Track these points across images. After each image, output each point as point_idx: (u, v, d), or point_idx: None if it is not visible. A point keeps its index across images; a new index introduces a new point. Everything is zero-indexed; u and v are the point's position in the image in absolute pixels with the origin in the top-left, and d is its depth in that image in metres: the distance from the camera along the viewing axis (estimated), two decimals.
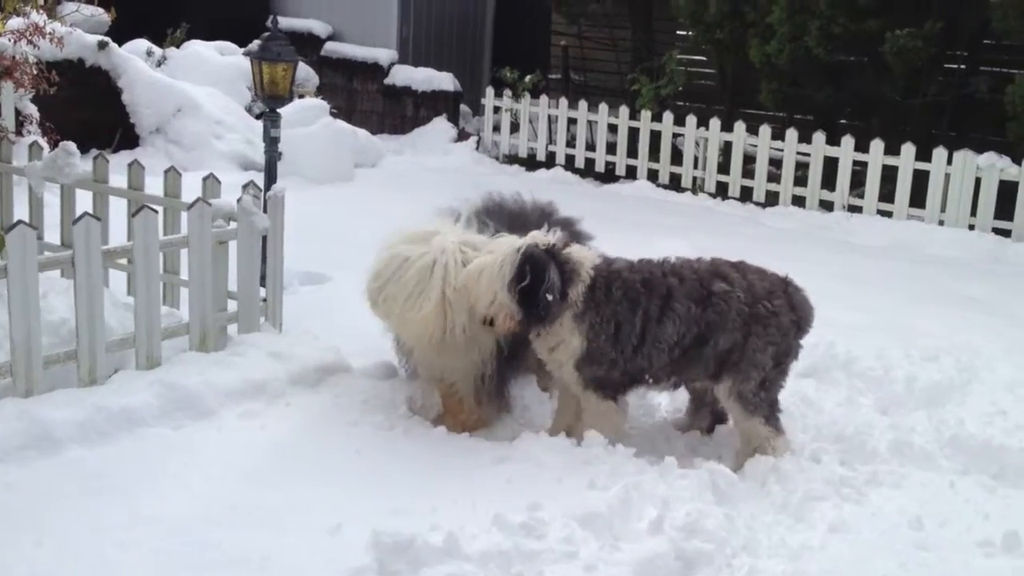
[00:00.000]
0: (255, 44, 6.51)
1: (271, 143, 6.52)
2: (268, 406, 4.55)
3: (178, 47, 12.99)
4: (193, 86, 11.71)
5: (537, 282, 4.23)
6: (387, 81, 15.11)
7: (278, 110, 6.61)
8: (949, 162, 10.04)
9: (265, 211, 5.18)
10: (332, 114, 12.15)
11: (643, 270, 4.51)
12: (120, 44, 11.52)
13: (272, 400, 4.61)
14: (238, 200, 5.09)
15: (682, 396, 5.21)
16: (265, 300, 5.31)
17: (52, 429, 3.99)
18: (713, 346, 4.45)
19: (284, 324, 5.48)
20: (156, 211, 4.71)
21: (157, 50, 12.58)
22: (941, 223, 10.09)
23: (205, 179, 5.54)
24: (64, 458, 3.92)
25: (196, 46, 12.89)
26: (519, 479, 4.07)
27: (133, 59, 11.31)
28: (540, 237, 4.39)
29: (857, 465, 4.52)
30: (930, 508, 4.06)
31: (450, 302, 4.38)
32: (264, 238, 5.26)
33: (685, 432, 4.92)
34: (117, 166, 6.12)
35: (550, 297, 4.25)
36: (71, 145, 5.80)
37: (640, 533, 3.73)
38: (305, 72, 13.54)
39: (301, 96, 12.56)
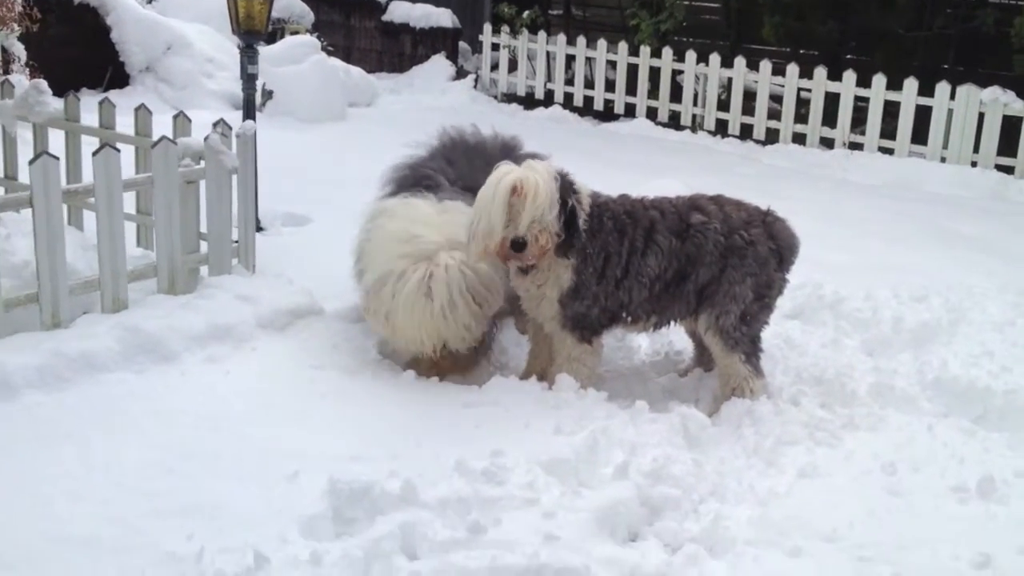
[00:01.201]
0: None
1: (248, 80, 6.36)
2: (234, 350, 4.46)
3: None
4: (184, 23, 11.53)
5: (575, 207, 4.12)
6: (385, 18, 14.87)
7: (255, 46, 6.44)
8: (952, 97, 9.81)
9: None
10: (327, 52, 11.94)
11: (626, 202, 4.40)
12: None
13: (238, 344, 4.51)
14: (205, 138, 4.96)
15: (661, 338, 5.13)
16: (237, 242, 5.20)
17: (9, 374, 3.90)
18: (694, 280, 4.35)
19: (260, 266, 5.38)
20: (118, 150, 4.58)
21: None
22: (943, 160, 9.91)
23: (175, 117, 5.41)
24: (20, 404, 3.83)
25: None
26: (486, 424, 3.99)
27: None
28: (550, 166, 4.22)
29: (836, 408, 4.42)
30: (905, 452, 3.96)
31: (452, 315, 4.27)
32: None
33: (687, 374, 4.82)
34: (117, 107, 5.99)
35: (584, 224, 4.14)
36: (42, 83, 5.66)
37: (605, 479, 3.66)
38: (300, 8, 13.32)
39: (294, 33, 12.35)
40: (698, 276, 4.35)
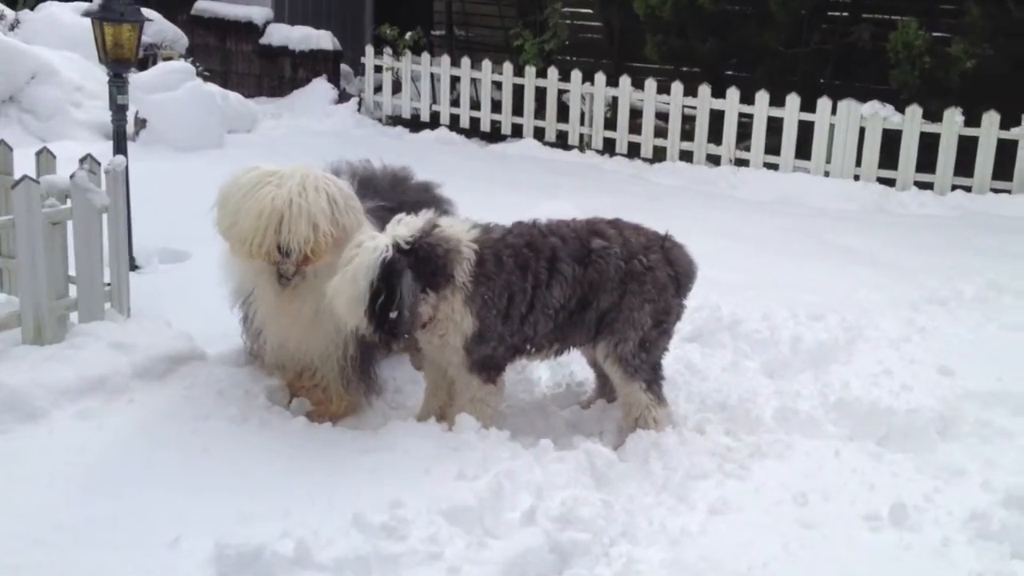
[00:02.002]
0: (96, 3, 6.01)
1: (118, 111, 6.02)
2: (108, 403, 4.15)
3: (32, 9, 12.22)
4: (50, 51, 11.00)
5: (389, 299, 3.83)
6: (263, 41, 14.52)
7: (125, 75, 6.11)
8: (833, 112, 9.97)
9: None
10: (204, 77, 11.55)
11: (525, 233, 4.22)
12: None
13: (113, 396, 4.20)
14: (71, 176, 4.64)
15: (562, 369, 4.99)
16: (109, 285, 4.87)
17: None
18: (595, 308, 4.22)
19: (136, 309, 5.06)
20: None
21: (9, 13, 11.84)
22: (827, 174, 10.05)
23: (39, 153, 5.07)
24: None
25: (53, 7, 12.15)
26: (383, 471, 3.77)
27: None
28: (403, 230, 3.98)
29: (742, 435, 4.33)
30: (815, 481, 3.89)
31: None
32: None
33: (590, 406, 4.67)
34: None
35: (396, 315, 3.86)
36: None
37: (512, 526, 3.48)
38: (172, 33, 12.90)
39: (167, 59, 11.92)
40: (599, 303, 4.23)
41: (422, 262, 3.92)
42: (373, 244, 3.89)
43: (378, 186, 4.67)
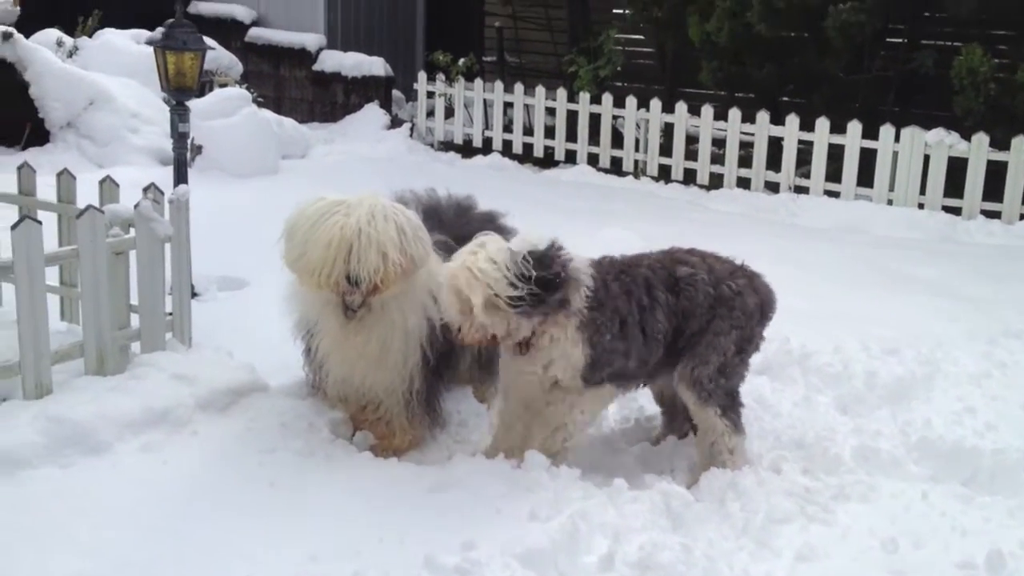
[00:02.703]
0: (158, 32, 6.00)
1: (180, 139, 6.01)
2: (171, 436, 4.07)
3: (90, 36, 12.33)
4: (107, 77, 11.07)
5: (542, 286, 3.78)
6: (316, 67, 14.56)
7: (187, 103, 6.10)
8: (896, 139, 9.78)
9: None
10: (258, 103, 11.58)
11: (619, 262, 4.15)
12: (29, 35, 10.88)
13: (176, 429, 4.12)
14: (136, 206, 4.59)
15: (630, 403, 4.85)
16: (171, 314, 4.82)
17: None
18: (687, 336, 4.15)
19: (196, 338, 4.99)
20: (39, 221, 4.19)
21: (68, 40, 11.92)
22: (890, 202, 9.84)
23: (102, 182, 5.04)
24: None
25: (109, 35, 12.23)
26: (453, 511, 3.65)
27: (40, 50, 10.66)
28: (534, 237, 3.90)
29: (821, 475, 4.17)
30: (903, 525, 3.72)
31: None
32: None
33: (659, 442, 4.56)
34: (37, 166, 5.58)
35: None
36: None
37: (589, 570, 3.35)
38: (228, 60, 12.95)
39: (223, 85, 11.97)
40: (689, 330, 4.15)
41: (544, 280, 3.80)
42: (501, 245, 3.83)
43: (443, 216, 4.59)
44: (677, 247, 4.36)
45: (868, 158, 9.95)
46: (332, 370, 4.30)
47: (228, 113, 10.02)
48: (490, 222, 4.84)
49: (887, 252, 8.29)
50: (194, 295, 5.88)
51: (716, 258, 4.31)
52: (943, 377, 5.18)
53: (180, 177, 5.90)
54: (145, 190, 4.76)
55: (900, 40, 11.13)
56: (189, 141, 8.69)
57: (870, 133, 9.91)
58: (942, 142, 9.52)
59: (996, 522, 3.77)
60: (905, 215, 9.45)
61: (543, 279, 3.77)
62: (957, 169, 9.54)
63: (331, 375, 4.32)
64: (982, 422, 4.58)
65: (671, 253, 4.28)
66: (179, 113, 5.98)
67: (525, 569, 3.29)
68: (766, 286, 4.31)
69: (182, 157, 6.02)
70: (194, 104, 9.58)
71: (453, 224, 4.59)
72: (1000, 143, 9.38)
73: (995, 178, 9.42)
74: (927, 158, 9.63)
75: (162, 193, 4.81)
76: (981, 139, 9.39)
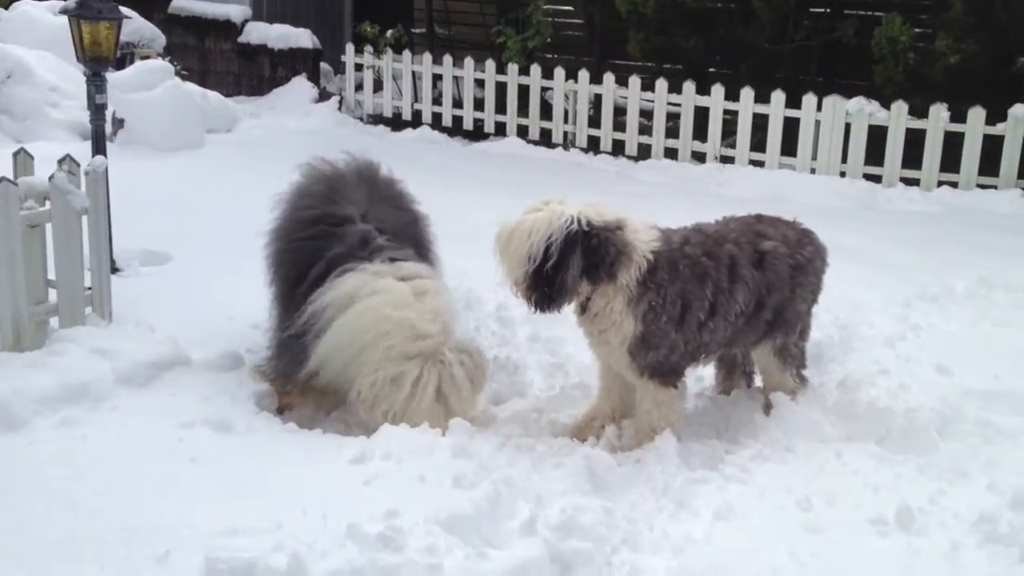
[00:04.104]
0: (73, 1, 5.87)
1: (97, 111, 5.89)
2: (91, 412, 4.01)
3: (7, 8, 12.02)
4: (24, 50, 10.82)
5: (553, 270, 3.86)
6: (241, 39, 14.35)
7: (104, 74, 5.98)
8: (819, 109, 9.92)
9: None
10: (182, 76, 11.40)
11: (702, 242, 4.20)
12: None
13: (96, 405, 4.06)
14: (50, 177, 4.51)
15: (557, 373, 4.89)
16: (90, 288, 4.74)
17: None
18: (769, 308, 4.29)
19: (117, 313, 4.94)
20: None
21: None
22: (813, 171, 10.00)
23: (16, 154, 4.94)
24: None
25: (26, 6, 11.95)
26: (376, 481, 3.65)
27: None
28: (591, 212, 3.96)
29: (741, 438, 4.26)
30: (818, 484, 3.81)
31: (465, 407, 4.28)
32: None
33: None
34: None
35: (557, 285, 3.90)
36: None
37: (511, 535, 3.38)
38: (150, 32, 12.72)
39: (145, 58, 11.75)
40: (772, 301, 4.29)
41: (592, 250, 3.91)
42: (560, 209, 3.91)
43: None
44: (747, 216, 4.48)
45: (792, 127, 10.09)
46: None
47: (150, 86, 9.85)
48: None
49: (810, 220, 8.27)
50: (116, 270, 5.80)
51: (785, 224, 4.49)
52: (859, 340, 5.31)
53: (98, 149, 5.79)
54: (60, 162, 4.68)
55: (823, 10, 11.28)
56: (110, 114, 8.55)
57: (794, 103, 10.04)
58: (862, 111, 9.69)
59: (907, 479, 3.88)
60: (827, 183, 9.61)
61: (591, 248, 3.87)
62: (877, 137, 9.72)
63: None
64: (896, 383, 4.70)
65: (751, 225, 4.37)
66: (96, 84, 5.86)
67: (449, 535, 3.31)
68: (821, 242, 4.57)
69: (100, 129, 5.91)
70: (114, 77, 9.45)
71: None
72: (919, 111, 9.57)
73: (914, 146, 9.62)
74: (848, 127, 9.80)
75: (78, 165, 4.72)
76: (900, 107, 9.57)
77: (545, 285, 3.90)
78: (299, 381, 4.41)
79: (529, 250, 3.86)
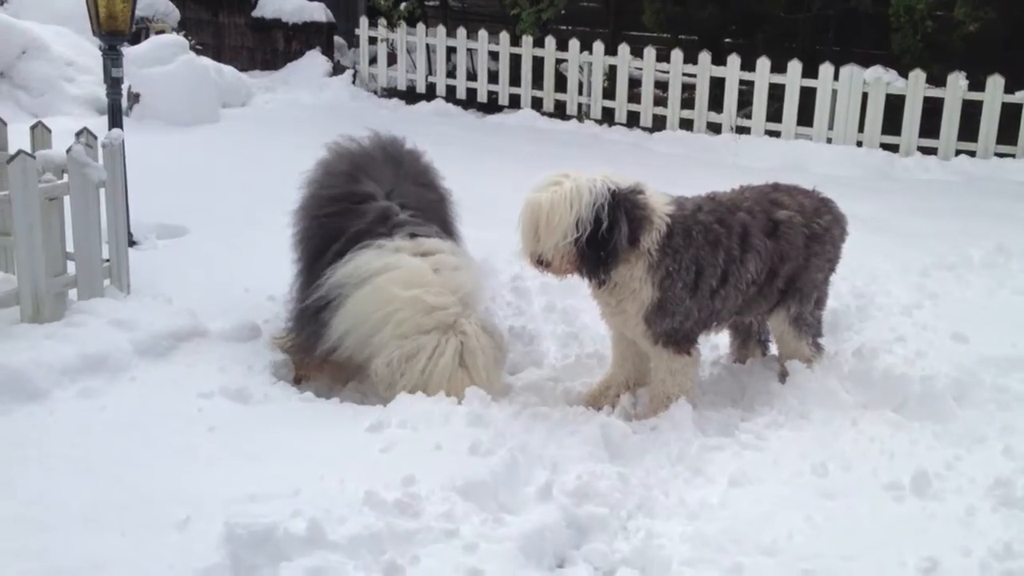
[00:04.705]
0: None
1: (113, 84, 5.90)
2: (110, 382, 4.05)
3: None
4: (40, 25, 10.84)
5: (608, 233, 3.84)
6: (255, 14, 14.33)
7: (120, 48, 5.98)
8: (836, 78, 9.86)
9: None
10: (196, 51, 11.39)
11: (715, 209, 4.19)
12: None
13: (115, 375, 4.10)
14: (68, 150, 4.53)
15: (572, 342, 4.90)
16: (108, 260, 4.77)
17: None
18: (783, 277, 4.29)
19: (135, 285, 4.97)
20: None
21: None
22: (829, 141, 9.95)
23: (33, 128, 4.97)
24: None
25: None
26: (393, 448, 3.68)
27: None
28: (612, 177, 3.96)
29: (756, 405, 4.27)
30: (833, 450, 3.81)
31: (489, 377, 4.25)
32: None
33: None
34: None
35: (615, 248, 3.89)
36: None
37: (528, 501, 3.41)
38: (165, 6, 12.72)
39: (160, 32, 11.75)
40: (784, 271, 4.29)
41: (626, 213, 3.91)
42: (590, 176, 3.88)
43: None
44: (762, 185, 4.45)
45: (808, 97, 10.03)
46: None
47: (165, 61, 9.86)
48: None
49: (827, 190, 8.28)
50: (133, 243, 5.82)
51: (802, 193, 4.45)
52: (876, 309, 5.30)
53: (115, 122, 5.80)
54: (78, 135, 4.70)
55: None
56: (125, 88, 8.57)
57: (810, 72, 9.98)
58: (880, 80, 9.62)
59: (923, 445, 3.88)
60: (844, 153, 9.57)
61: (613, 217, 3.85)
62: (895, 107, 9.65)
63: None
64: (912, 350, 4.69)
65: (767, 194, 4.35)
66: (112, 58, 5.86)
67: (466, 501, 3.33)
68: (840, 211, 4.55)
69: (116, 103, 5.92)
70: (130, 51, 9.47)
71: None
72: (937, 80, 9.50)
73: (932, 115, 9.55)
74: (865, 96, 9.74)
75: (96, 137, 4.74)
76: (918, 76, 9.50)
77: (600, 250, 3.87)
78: (317, 356, 4.44)
79: (576, 219, 3.82)
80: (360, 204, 4.46)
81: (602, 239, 3.84)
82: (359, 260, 4.28)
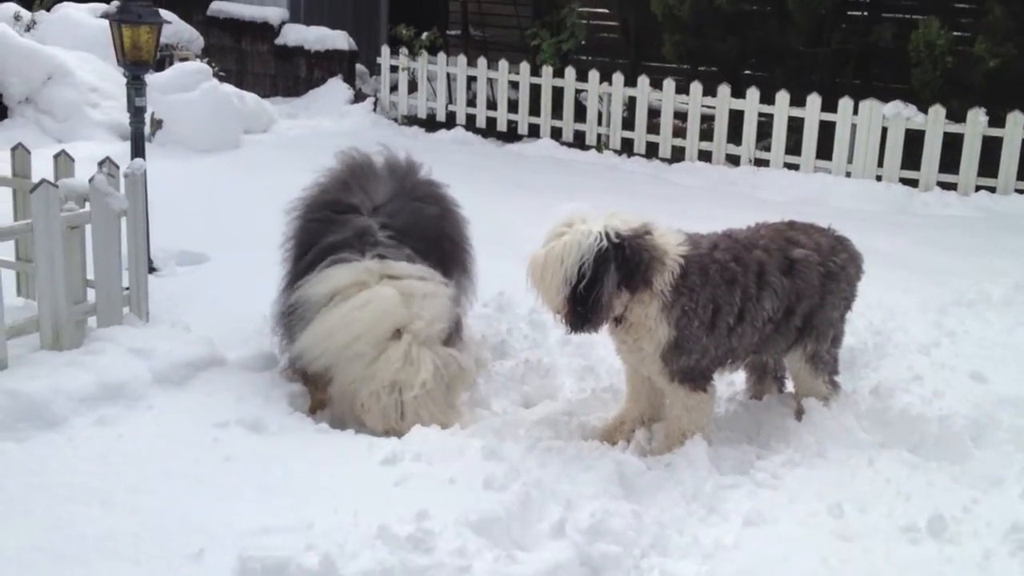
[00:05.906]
0: (114, 5, 5.96)
1: (136, 113, 5.97)
2: (127, 411, 4.08)
3: (48, 10, 12.19)
4: (65, 51, 10.98)
5: (592, 285, 3.85)
6: (278, 41, 14.47)
7: (144, 77, 6.06)
8: (855, 112, 9.86)
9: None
10: (219, 78, 11.51)
11: (731, 248, 4.19)
12: None
13: (132, 404, 4.13)
14: (90, 180, 4.58)
15: (588, 376, 4.90)
16: (128, 289, 4.81)
17: None
18: (799, 315, 4.29)
19: (154, 313, 5.01)
20: None
21: (26, 14, 11.79)
22: (848, 175, 9.94)
23: (57, 156, 5.02)
24: None
25: (68, 8, 12.12)
26: (407, 482, 3.68)
27: None
28: (616, 222, 3.96)
29: (772, 443, 4.25)
30: (849, 490, 3.79)
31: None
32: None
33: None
34: None
35: (593, 304, 3.88)
36: None
37: (541, 538, 3.39)
38: (188, 34, 12.86)
39: (183, 59, 11.88)
40: (803, 310, 4.28)
41: (626, 260, 3.92)
42: (586, 229, 3.91)
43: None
44: (777, 223, 4.45)
45: (827, 131, 10.03)
46: None
47: (188, 87, 9.96)
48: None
49: (845, 224, 8.20)
50: (153, 270, 5.88)
51: (818, 231, 4.46)
52: (893, 346, 5.27)
53: (137, 151, 5.87)
54: (100, 164, 4.75)
55: (860, 13, 11.21)
56: (148, 115, 8.66)
57: (829, 106, 9.98)
58: (899, 114, 9.62)
59: (940, 487, 3.86)
60: (863, 187, 9.55)
61: (624, 258, 3.87)
62: (914, 141, 9.63)
63: None
64: (930, 390, 4.66)
65: (782, 232, 4.35)
66: (136, 87, 5.93)
67: (479, 537, 3.33)
68: (855, 249, 4.55)
69: (139, 131, 5.99)
70: (153, 78, 9.57)
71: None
72: (956, 115, 9.48)
73: (951, 150, 9.53)
74: (885, 130, 9.73)
75: (118, 167, 4.79)
76: (938, 111, 9.49)
77: (579, 305, 3.89)
78: (294, 364, 4.51)
79: (564, 275, 3.85)
80: (341, 215, 4.51)
81: (580, 296, 3.85)
82: (325, 281, 4.32)
